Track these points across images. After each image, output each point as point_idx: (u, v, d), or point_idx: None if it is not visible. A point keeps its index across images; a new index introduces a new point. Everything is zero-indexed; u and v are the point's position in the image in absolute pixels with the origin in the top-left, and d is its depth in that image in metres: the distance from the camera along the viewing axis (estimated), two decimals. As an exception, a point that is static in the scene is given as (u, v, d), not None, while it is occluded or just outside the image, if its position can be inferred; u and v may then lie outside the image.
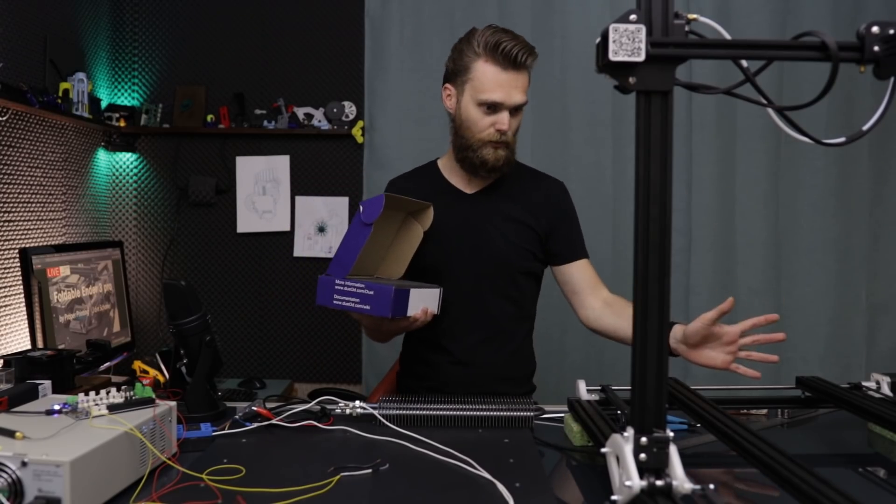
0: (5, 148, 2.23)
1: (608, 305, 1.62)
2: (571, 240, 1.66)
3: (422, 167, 1.79)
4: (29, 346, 2.09)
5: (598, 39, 0.78)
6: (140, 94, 3.03)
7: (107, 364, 2.31)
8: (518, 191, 1.65)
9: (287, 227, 3.01)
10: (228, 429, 1.16)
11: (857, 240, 2.75)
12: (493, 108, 1.52)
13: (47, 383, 1.09)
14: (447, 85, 1.61)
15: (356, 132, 2.92)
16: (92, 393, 1.00)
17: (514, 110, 1.53)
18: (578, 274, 1.66)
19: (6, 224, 2.23)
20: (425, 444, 1.10)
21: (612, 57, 0.75)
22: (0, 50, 2.19)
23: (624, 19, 0.75)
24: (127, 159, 3.03)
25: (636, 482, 0.77)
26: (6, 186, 2.24)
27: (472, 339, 1.63)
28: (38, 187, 2.42)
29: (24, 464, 0.79)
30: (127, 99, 3.03)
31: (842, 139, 0.81)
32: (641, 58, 0.75)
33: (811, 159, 2.73)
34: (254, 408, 1.21)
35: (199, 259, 3.06)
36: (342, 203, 3.00)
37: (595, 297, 1.64)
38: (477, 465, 1.01)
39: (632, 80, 0.76)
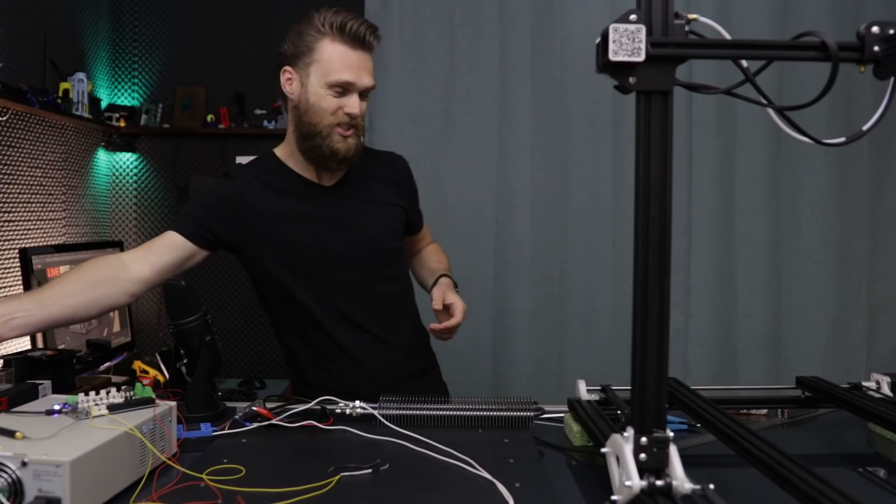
0: (5, 148, 2.23)
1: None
2: (419, 210, 1.75)
3: (263, 159, 1.61)
4: (29, 346, 2.09)
5: (598, 39, 0.78)
6: (140, 94, 3.03)
7: (107, 364, 2.31)
8: (372, 172, 1.58)
9: (287, 227, 3.01)
10: (228, 429, 1.16)
11: (857, 240, 2.75)
12: (343, 90, 1.42)
13: (47, 383, 1.09)
14: (287, 68, 1.48)
15: (356, 132, 2.92)
16: (92, 393, 1.00)
17: (363, 94, 1.44)
18: (421, 238, 1.79)
19: (6, 224, 2.23)
20: (425, 444, 1.10)
21: (612, 57, 0.75)
22: (0, 50, 2.19)
23: (624, 19, 0.75)
24: (127, 159, 3.03)
25: (636, 482, 0.77)
26: (6, 186, 2.24)
27: (371, 328, 1.53)
28: (38, 187, 2.42)
29: (24, 464, 0.79)
30: (127, 99, 3.03)
31: (842, 139, 0.81)
32: (641, 58, 0.75)
33: (811, 159, 2.73)
34: (254, 408, 1.21)
35: (199, 259, 3.05)
36: (342, 203, 2.99)
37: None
38: (477, 465, 1.01)
39: (632, 80, 0.76)
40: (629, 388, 0.82)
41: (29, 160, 2.37)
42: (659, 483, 0.77)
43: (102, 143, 2.90)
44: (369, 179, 1.58)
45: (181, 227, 1.44)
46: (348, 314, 1.51)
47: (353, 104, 1.42)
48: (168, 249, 1.43)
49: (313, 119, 1.43)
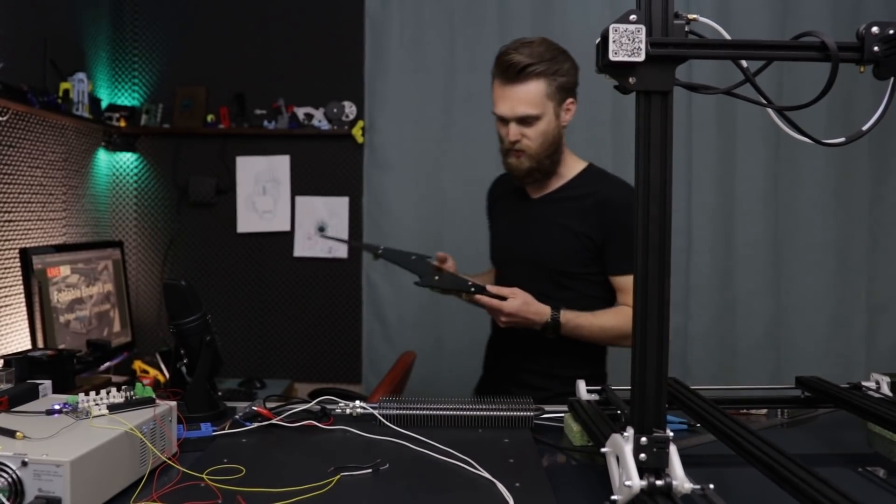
0: (6, 148, 2.23)
1: None
2: (615, 253, 1.62)
3: None
4: (29, 346, 2.09)
5: (598, 39, 0.78)
6: (140, 94, 3.03)
7: (107, 364, 2.31)
8: (575, 195, 1.66)
9: (287, 227, 3.01)
10: (228, 429, 1.16)
11: (857, 240, 2.75)
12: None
13: (47, 383, 1.09)
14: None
15: (356, 132, 2.92)
16: (92, 393, 1.00)
17: (523, 121, 1.57)
18: (618, 289, 1.64)
19: (6, 224, 2.24)
20: (425, 444, 1.10)
21: (612, 57, 0.75)
22: (0, 50, 2.20)
23: (624, 19, 0.75)
24: (127, 159, 3.04)
25: (636, 482, 0.77)
26: (7, 186, 2.24)
27: (524, 335, 1.65)
28: (38, 187, 2.42)
29: (24, 464, 0.79)
30: (127, 99, 3.03)
31: (842, 139, 0.81)
32: (641, 58, 0.75)
33: (811, 159, 2.73)
34: (254, 408, 1.21)
35: (199, 259, 3.06)
36: (342, 203, 3.00)
37: None
38: (477, 465, 1.01)
39: (632, 80, 0.76)
40: (629, 388, 0.82)
41: (29, 160, 2.37)
42: (659, 483, 0.78)
43: (103, 143, 2.90)
44: (565, 201, 1.67)
45: None
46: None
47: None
48: None
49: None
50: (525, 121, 1.56)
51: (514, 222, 1.75)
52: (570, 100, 1.60)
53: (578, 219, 1.62)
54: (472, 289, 1.54)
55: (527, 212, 1.71)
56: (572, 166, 1.69)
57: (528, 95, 1.53)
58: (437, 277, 1.60)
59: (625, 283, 1.61)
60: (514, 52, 1.52)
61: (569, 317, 1.56)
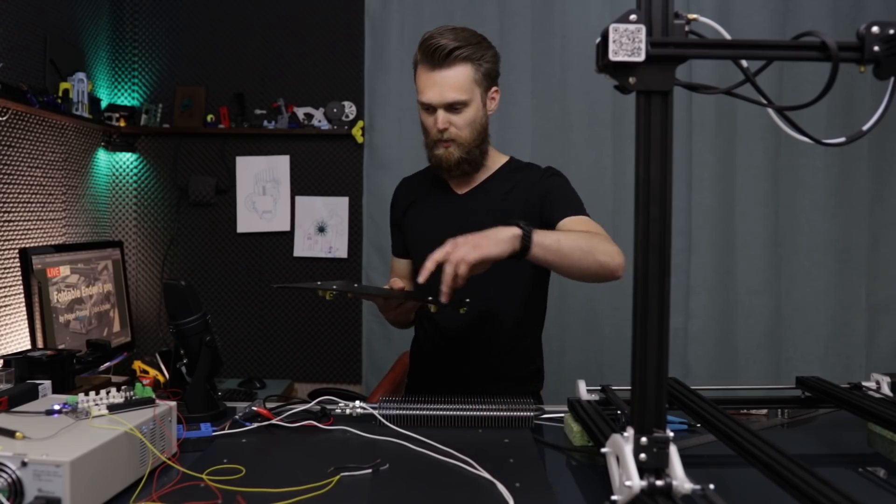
0: (5, 148, 2.23)
1: None
2: (552, 204, 1.56)
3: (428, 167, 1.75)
4: (29, 346, 2.09)
5: (598, 39, 0.78)
6: (140, 94, 3.03)
7: (107, 364, 2.31)
8: (502, 185, 1.64)
9: (287, 227, 3.01)
10: (228, 429, 1.16)
11: (857, 240, 2.75)
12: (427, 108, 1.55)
13: (47, 383, 1.09)
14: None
15: (356, 132, 2.92)
16: (92, 393, 1.00)
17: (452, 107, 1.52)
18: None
19: (6, 224, 2.24)
20: (425, 444, 1.10)
21: (612, 57, 0.75)
22: (0, 50, 2.20)
23: (624, 19, 0.75)
24: (127, 159, 3.03)
25: (636, 482, 0.77)
26: (6, 186, 2.24)
27: (464, 334, 1.63)
28: (38, 187, 2.42)
29: (24, 464, 0.79)
30: (127, 99, 3.03)
31: (842, 139, 0.81)
32: (641, 58, 0.75)
33: (811, 159, 2.73)
34: (254, 408, 1.21)
35: (199, 259, 3.06)
36: (342, 203, 3.00)
37: None
38: (477, 465, 1.01)
39: (632, 80, 0.76)
40: (629, 388, 0.82)
41: (29, 160, 2.37)
42: (659, 483, 0.77)
43: (102, 143, 2.90)
44: (496, 192, 1.63)
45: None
46: (443, 309, 1.60)
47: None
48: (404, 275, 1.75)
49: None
50: (454, 108, 1.52)
51: (443, 218, 1.64)
52: (494, 88, 1.58)
53: (511, 205, 1.59)
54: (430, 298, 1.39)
55: (457, 206, 1.64)
56: (496, 159, 1.68)
57: (456, 80, 1.50)
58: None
59: (568, 223, 1.49)
60: (439, 37, 1.49)
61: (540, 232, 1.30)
